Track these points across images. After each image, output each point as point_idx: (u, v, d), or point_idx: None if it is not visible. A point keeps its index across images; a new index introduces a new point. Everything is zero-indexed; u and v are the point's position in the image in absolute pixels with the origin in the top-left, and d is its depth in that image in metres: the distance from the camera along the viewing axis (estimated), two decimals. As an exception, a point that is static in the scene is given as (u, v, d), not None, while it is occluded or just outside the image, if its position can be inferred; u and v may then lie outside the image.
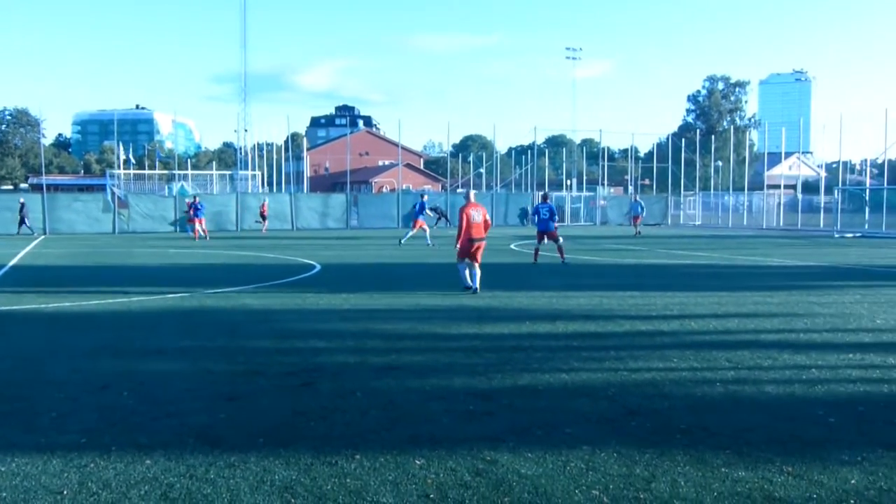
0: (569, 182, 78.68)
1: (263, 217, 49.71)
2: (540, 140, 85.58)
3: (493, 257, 26.04)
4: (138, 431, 6.61)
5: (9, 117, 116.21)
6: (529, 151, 75.03)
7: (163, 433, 6.55)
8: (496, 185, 71.03)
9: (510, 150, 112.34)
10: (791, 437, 6.40)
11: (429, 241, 32.94)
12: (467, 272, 16.07)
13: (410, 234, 33.90)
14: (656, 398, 7.66)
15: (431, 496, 5.19)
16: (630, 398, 7.67)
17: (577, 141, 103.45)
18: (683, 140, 68.93)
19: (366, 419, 6.97)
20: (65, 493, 5.27)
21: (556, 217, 23.70)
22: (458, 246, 16.16)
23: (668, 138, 73.35)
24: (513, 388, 8.12)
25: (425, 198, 35.66)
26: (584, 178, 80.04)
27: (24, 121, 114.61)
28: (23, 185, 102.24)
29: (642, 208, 46.07)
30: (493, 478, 5.51)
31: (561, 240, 23.10)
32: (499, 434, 6.49)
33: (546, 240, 23.43)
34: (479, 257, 16.06)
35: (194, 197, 42.85)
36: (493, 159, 75.09)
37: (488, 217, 16.61)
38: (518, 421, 6.90)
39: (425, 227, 33.81)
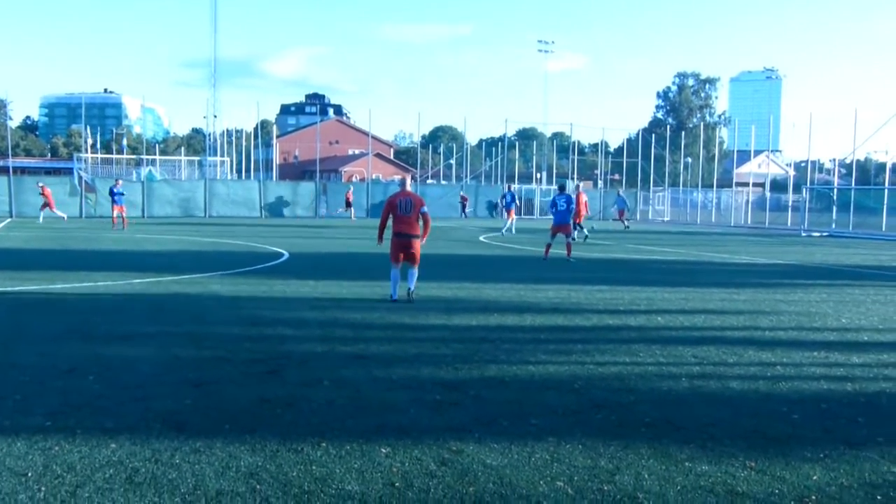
0: (539, 175, 78.90)
1: (349, 204, 51.42)
2: (511, 132, 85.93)
3: (462, 249, 26.14)
4: (104, 415, 6.57)
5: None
6: (500, 143, 75.07)
7: (128, 417, 6.52)
8: (466, 176, 71.07)
9: (481, 141, 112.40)
10: (755, 432, 6.47)
11: (503, 233, 35.51)
12: (398, 280, 13.54)
13: (508, 224, 36.65)
14: (622, 392, 7.72)
15: (397, 485, 5.21)
16: (596, 391, 7.72)
17: (548, 134, 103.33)
18: (653, 136, 69.37)
19: (332, 408, 6.97)
20: (29, 475, 5.24)
21: (574, 210, 23.07)
22: (379, 241, 13.80)
23: (638, 134, 73.84)
24: (480, 379, 8.14)
25: (513, 188, 39.05)
26: (555, 171, 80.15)
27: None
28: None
29: (625, 202, 46.46)
30: (459, 467, 5.53)
31: (580, 233, 22.41)
32: (465, 424, 6.51)
33: (559, 234, 22.22)
34: (415, 257, 13.55)
35: (116, 181, 39.29)
36: (464, 151, 75.24)
37: (426, 209, 13.61)
38: (484, 412, 6.92)
39: (514, 217, 37.19)
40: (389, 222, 13.62)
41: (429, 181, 77.44)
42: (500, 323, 11.58)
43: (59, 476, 5.22)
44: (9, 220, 41.84)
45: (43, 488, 5.02)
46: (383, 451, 5.83)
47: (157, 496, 4.94)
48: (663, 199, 68.05)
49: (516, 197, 38.35)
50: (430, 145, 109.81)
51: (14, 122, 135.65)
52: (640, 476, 5.43)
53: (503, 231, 35.90)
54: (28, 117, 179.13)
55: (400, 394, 7.48)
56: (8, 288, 14.36)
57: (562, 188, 23.77)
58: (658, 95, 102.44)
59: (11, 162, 58.87)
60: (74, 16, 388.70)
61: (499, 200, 36.99)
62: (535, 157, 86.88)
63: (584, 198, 31.37)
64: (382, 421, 6.59)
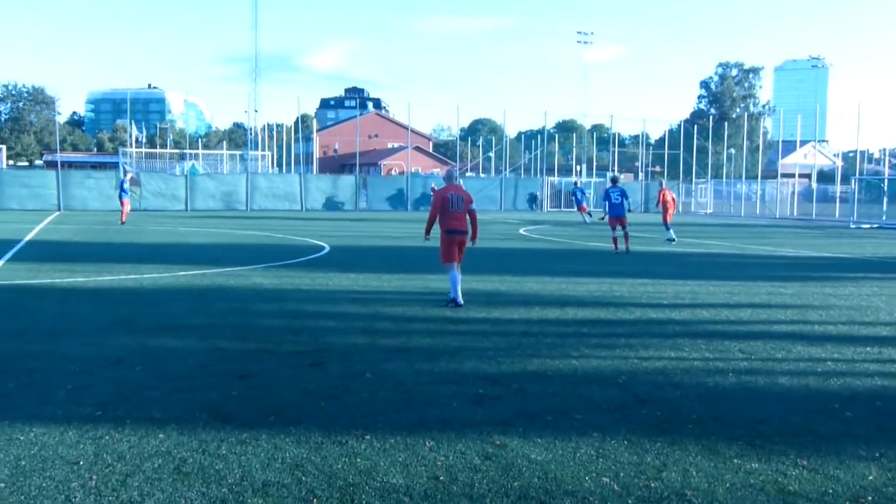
0: (578, 167, 78.46)
1: None
2: (550, 125, 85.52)
3: (502, 242, 26.10)
4: (152, 406, 6.65)
5: (26, 95, 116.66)
6: (539, 136, 74.80)
7: (175, 408, 6.59)
8: (505, 169, 70.86)
9: (520, 134, 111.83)
10: (805, 430, 6.34)
11: (587, 221, 39.45)
12: (459, 279, 12.49)
13: (585, 216, 40.52)
14: (667, 387, 7.63)
15: (441, 478, 5.20)
16: (640, 386, 7.65)
17: (588, 126, 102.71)
18: (696, 127, 68.60)
19: (375, 400, 6.98)
20: (81, 463, 5.33)
21: (629, 201, 22.89)
22: (427, 236, 12.84)
23: (679, 125, 72.93)
24: (522, 372, 8.11)
25: (579, 184, 44.05)
26: (595, 164, 79.68)
27: (39, 99, 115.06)
28: (37, 162, 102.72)
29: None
30: (503, 462, 5.51)
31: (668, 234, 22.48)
32: (508, 418, 6.49)
33: (619, 226, 22.21)
34: (462, 255, 12.73)
35: (126, 174, 38.32)
36: (503, 143, 74.96)
37: (473, 206, 12.78)
38: (527, 406, 6.89)
39: (586, 209, 41.43)
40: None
41: (468, 174, 77.33)
42: (541, 316, 11.53)
43: (109, 465, 5.30)
44: (57, 213, 42.48)
45: (94, 477, 5.09)
46: (427, 444, 5.82)
47: (205, 486, 4.98)
48: (706, 191, 67.32)
49: (585, 192, 42.22)
50: (469, 138, 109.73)
51: (62, 118, 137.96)
52: (687, 473, 5.36)
53: (587, 222, 39.12)
54: (75, 113, 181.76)
55: (442, 387, 7.47)
56: (58, 280, 14.59)
57: (614, 181, 23.54)
58: (701, 85, 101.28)
59: (59, 156, 59.81)
60: (118, 13, 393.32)
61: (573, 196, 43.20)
62: (574, 150, 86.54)
63: (670, 195, 28.22)
64: (425, 414, 6.59)
